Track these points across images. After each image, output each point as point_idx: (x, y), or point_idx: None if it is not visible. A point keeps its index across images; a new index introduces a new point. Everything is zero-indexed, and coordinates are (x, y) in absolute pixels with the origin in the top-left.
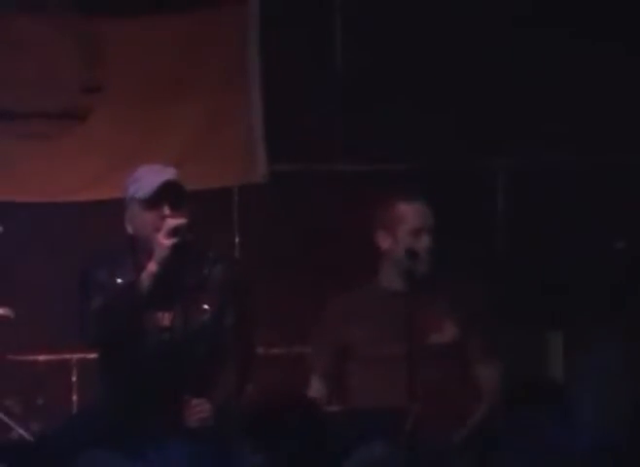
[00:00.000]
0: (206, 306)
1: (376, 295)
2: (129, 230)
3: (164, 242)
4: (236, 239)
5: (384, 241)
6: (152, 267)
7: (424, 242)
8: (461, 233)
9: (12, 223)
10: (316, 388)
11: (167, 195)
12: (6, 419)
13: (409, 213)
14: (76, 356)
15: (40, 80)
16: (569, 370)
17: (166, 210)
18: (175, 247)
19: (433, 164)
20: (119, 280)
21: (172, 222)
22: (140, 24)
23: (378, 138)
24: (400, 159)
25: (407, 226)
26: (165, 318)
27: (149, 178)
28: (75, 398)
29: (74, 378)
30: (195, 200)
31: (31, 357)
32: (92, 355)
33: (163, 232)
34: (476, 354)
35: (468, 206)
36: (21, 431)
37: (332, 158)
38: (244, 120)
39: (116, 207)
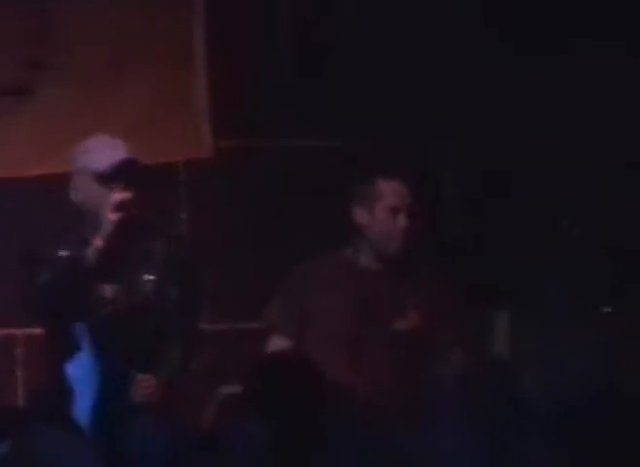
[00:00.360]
0: (149, 279)
1: (343, 269)
2: (75, 198)
3: (111, 217)
4: (182, 215)
5: (361, 217)
6: (98, 242)
7: (401, 222)
8: None
9: None
10: (279, 346)
11: (123, 171)
12: None
13: (389, 190)
14: (21, 331)
15: None
16: (516, 349)
17: (120, 185)
18: (121, 222)
19: (385, 142)
20: (64, 253)
21: (118, 196)
22: (85, 2)
23: (330, 113)
24: (349, 135)
25: (385, 203)
26: (108, 291)
27: (103, 151)
28: (20, 374)
29: (19, 354)
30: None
31: None
32: (39, 330)
33: (109, 206)
34: (444, 342)
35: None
36: None
37: (280, 133)
38: (189, 95)
39: (63, 184)
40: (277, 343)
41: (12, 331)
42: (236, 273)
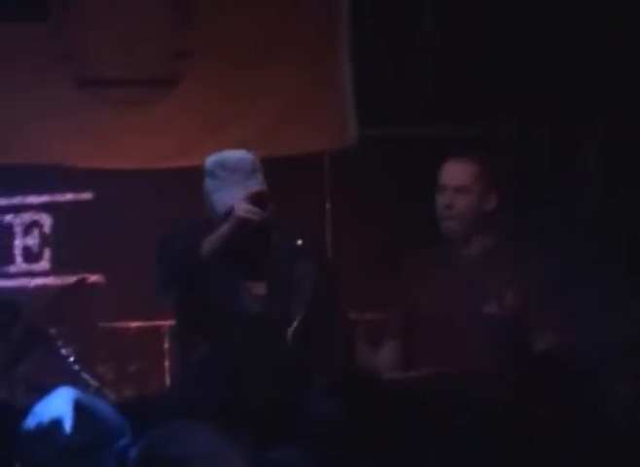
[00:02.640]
0: (292, 276)
1: (442, 258)
2: (208, 213)
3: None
4: (327, 206)
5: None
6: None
7: (442, 200)
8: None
9: (103, 190)
10: (387, 354)
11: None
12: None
13: (441, 171)
14: (168, 323)
15: (132, 46)
16: None
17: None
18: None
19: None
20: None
21: (255, 189)
22: None
23: (468, 101)
24: (486, 122)
25: (438, 186)
26: (260, 287)
27: (231, 189)
28: (167, 364)
29: (166, 345)
30: (286, 166)
31: (123, 324)
32: None
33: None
34: (535, 324)
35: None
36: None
37: (423, 122)
38: (334, 84)
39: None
40: (384, 353)
41: (159, 322)
42: (384, 263)
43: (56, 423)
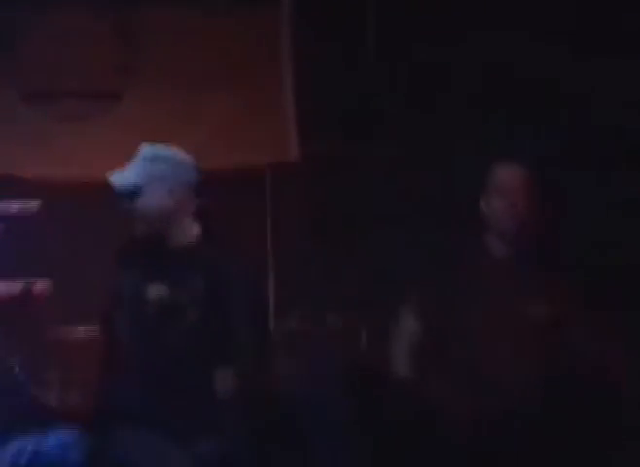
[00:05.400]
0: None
1: (482, 259)
2: None
3: None
4: (269, 223)
5: (484, 205)
6: None
7: (506, 201)
8: None
9: (50, 202)
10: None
11: None
12: (45, 394)
13: (497, 174)
14: None
15: (73, 61)
16: None
17: None
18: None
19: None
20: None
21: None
22: (173, 11)
23: (410, 122)
24: (427, 144)
25: (492, 186)
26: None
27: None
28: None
29: None
30: (227, 185)
31: (70, 331)
32: None
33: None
34: (568, 335)
35: None
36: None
37: (367, 139)
38: (276, 102)
39: None
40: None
41: None
42: (325, 281)
43: None
